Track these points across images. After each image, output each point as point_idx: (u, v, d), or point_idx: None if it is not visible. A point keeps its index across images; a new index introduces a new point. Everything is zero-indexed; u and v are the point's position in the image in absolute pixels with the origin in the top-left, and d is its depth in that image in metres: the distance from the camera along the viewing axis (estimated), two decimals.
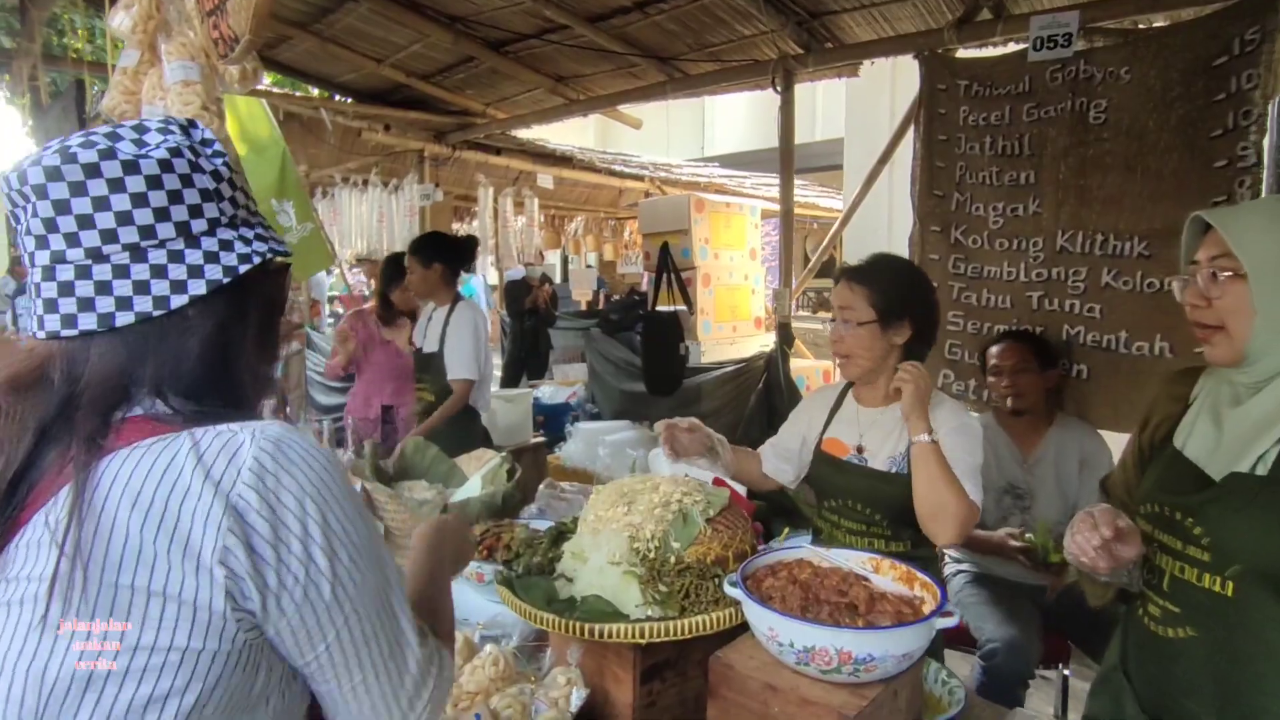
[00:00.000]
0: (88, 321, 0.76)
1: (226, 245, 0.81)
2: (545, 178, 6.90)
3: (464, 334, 3.32)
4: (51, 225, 0.75)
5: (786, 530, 1.82)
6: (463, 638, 1.38)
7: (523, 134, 6.46)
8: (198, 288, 0.78)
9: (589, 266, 14.19)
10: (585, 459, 4.46)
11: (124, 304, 0.77)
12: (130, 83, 1.69)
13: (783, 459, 1.93)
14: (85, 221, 0.75)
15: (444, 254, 3.37)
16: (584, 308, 11.41)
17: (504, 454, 2.35)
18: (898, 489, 1.66)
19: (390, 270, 3.94)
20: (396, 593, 0.80)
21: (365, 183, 6.71)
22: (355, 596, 0.75)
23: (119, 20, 1.62)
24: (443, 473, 2.36)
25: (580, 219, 10.67)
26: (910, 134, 3.17)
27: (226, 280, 0.80)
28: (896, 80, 5.39)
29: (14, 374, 0.78)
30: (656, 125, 12.75)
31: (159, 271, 0.77)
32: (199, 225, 0.79)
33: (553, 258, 14.62)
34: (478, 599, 1.70)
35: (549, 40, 4.07)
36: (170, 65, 1.52)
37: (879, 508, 1.73)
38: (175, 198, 0.77)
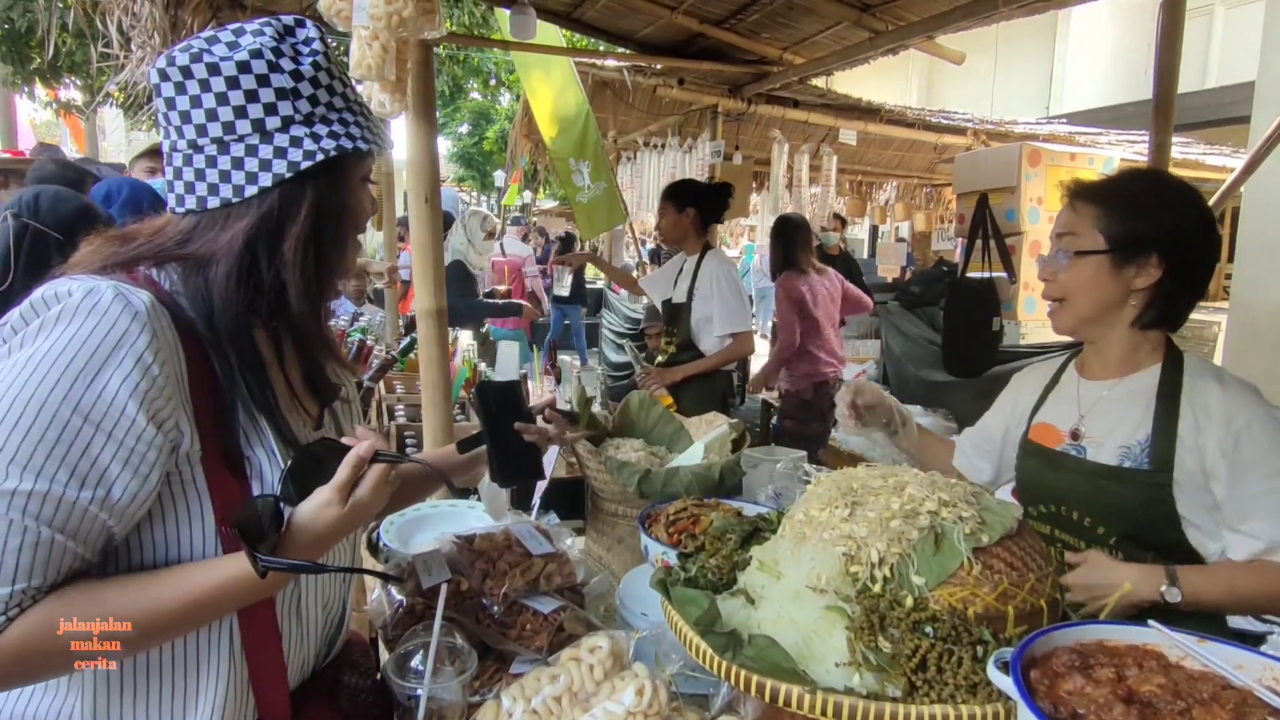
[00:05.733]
0: (190, 202, 0.89)
1: (296, 141, 0.88)
2: (848, 133, 6.24)
3: (723, 285, 3.26)
4: (166, 119, 0.88)
5: None
6: (610, 644, 1.04)
7: (831, 88, 5.90)
8: (265, 179, 0.87)
9: (901, 240, 13.04)
10: (864, 444, 3.97)
11: (213, 190, 0.88)
12: None
13: (980, 454, 1.59)
14: (185, 117, 0.87)
15: (699, 200, 3.32)
16: (889, 282, 10.44)
17: (736, 421, 1.96)
18: (1132, 490, 1.24)
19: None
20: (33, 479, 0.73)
21: (664, 146, 6.69)
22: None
23: None
24: (668, 435, 2.05)
25: (891, 186, 9.70)
26: None
27: (289, 174, 0.88)
28: None
29: (130, 231, 0.93)
30: (992, 81, 11.15)
31: (238, 164, 0.87)
32: (273, 122, 0.87)
33: (860, 232, 13.66)
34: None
35: None
36: None
37: (1104, 518, 1.29)
38: (251, 97, 0.86)
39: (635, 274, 8.57)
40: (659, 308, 3.69)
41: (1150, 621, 0.79)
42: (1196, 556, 1.26)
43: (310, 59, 0.89)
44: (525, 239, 8.94)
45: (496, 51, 13.10)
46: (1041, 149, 5.08)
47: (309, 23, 0.93)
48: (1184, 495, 1.22)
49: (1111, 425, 1.31)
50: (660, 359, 3.54)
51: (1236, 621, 1.85)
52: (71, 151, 10.32)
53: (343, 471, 0.87)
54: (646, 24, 4.84)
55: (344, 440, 0.90)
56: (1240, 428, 1.18)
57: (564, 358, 4.80)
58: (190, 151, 0.87)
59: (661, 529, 1.42)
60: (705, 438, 1.90)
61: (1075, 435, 1.36)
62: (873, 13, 4.09)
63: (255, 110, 0.86)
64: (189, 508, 0.84)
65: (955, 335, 3.98)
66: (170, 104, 0.87)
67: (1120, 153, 5.48)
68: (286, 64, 0.87)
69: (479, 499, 1.87)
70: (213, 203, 0.88)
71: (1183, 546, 1.25)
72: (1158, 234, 1.24)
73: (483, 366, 3.58)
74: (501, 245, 7.42)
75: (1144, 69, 11.44)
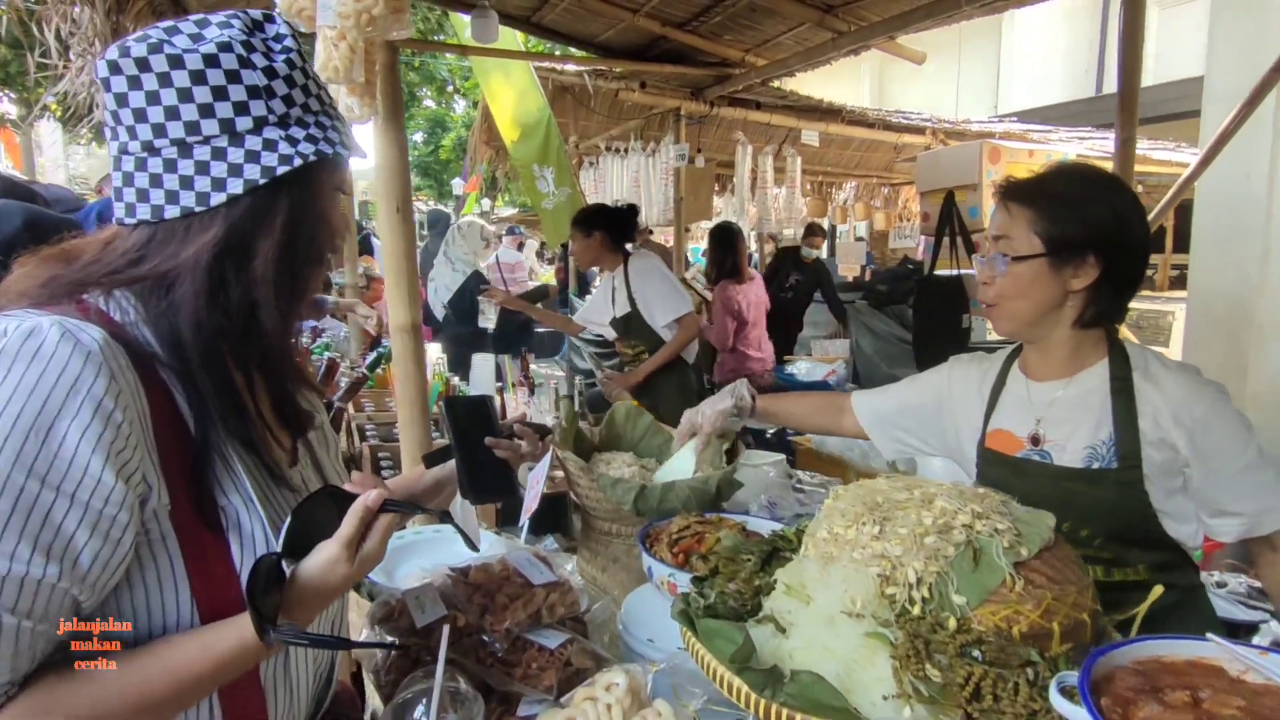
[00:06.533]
0: (143, 212, 0.79)
1: (270, 145, 0.79)
2: (810, 134, 6.26)
3: (651, 279, 3.44)
4: (115, 118, 0.78)
5: None
6: (627, 680, 0.97)
7: (790, 89, 5.91)
8: (236, 186, 0.78)
9: (859, 239, 13.23)
10: (840, 445, 3.96)
11: (172, 198, 0.78)
12: None
13: (896, 427, 1.59)
14: (139, 115, 0.76)
15: (603, 223, 3.54)
16: (850, 281, 10.56)
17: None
18: (1106, 490, 1.24)
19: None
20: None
21: (626, 150, 6.64)
22: None
23: None
24: (655, 446, 1.99)
25: (850, 186, 9.81)
26: None
27: (263, 181, 0.78)
28: None
29: (73, 247, 0.81)
30: (941, 81, 11.34)
31: (202, 168, 0.77)
32: (244, 123, 0.78)
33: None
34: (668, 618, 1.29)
35: None
36: None
37: (1084, 520, 1.26)
38: (220, 94, 0.77)
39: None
40: (609, 330, 3.75)
41: (1209, 635, 0.75)
42: (1174, 545, 1.27)
43: (283, 56, 0.81)
44: (520, 248, 9.08)
45: (450, 58, 12.92)
46: (1001, 146, 5.16)
47: (279, 18, 0.84)
48: (1154, 487, 1.24)
49: (1072, 427, 1.30)
50: (632, 366, 3.53)
51: (1225, 610, 1.86)
52: (6, 167, 9.87)
53: (350, 525, 0.78)
54: (607, 27, 4.78)
55: (346, 487, 0.81)
56: (1200, 414, 1.20)
57: (536, 368, 4.72)
58: (144, 154, 0.77)
59: (664, 548, 1.35)
60: (692, 443, 1.84)
61: (1036, 440, 1.34)
62: (835, 14, 4.09)
63: (224, 109, 0.77)
64: (158, 570, 0.74)
65: (926, 332, 4.00)
66: (121, 100, 0.76)
67: (1075, 148, 5.59)
68: (259, 60, 0.78)
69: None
70: (170, 212, 0.77)
71: (1160, 538, 1.27)
72: (1093, 234, 1.23)
73: (455, 380, 3.48)
74: (497, 255, 7.54)
75: (1085, 68, 11.80)
